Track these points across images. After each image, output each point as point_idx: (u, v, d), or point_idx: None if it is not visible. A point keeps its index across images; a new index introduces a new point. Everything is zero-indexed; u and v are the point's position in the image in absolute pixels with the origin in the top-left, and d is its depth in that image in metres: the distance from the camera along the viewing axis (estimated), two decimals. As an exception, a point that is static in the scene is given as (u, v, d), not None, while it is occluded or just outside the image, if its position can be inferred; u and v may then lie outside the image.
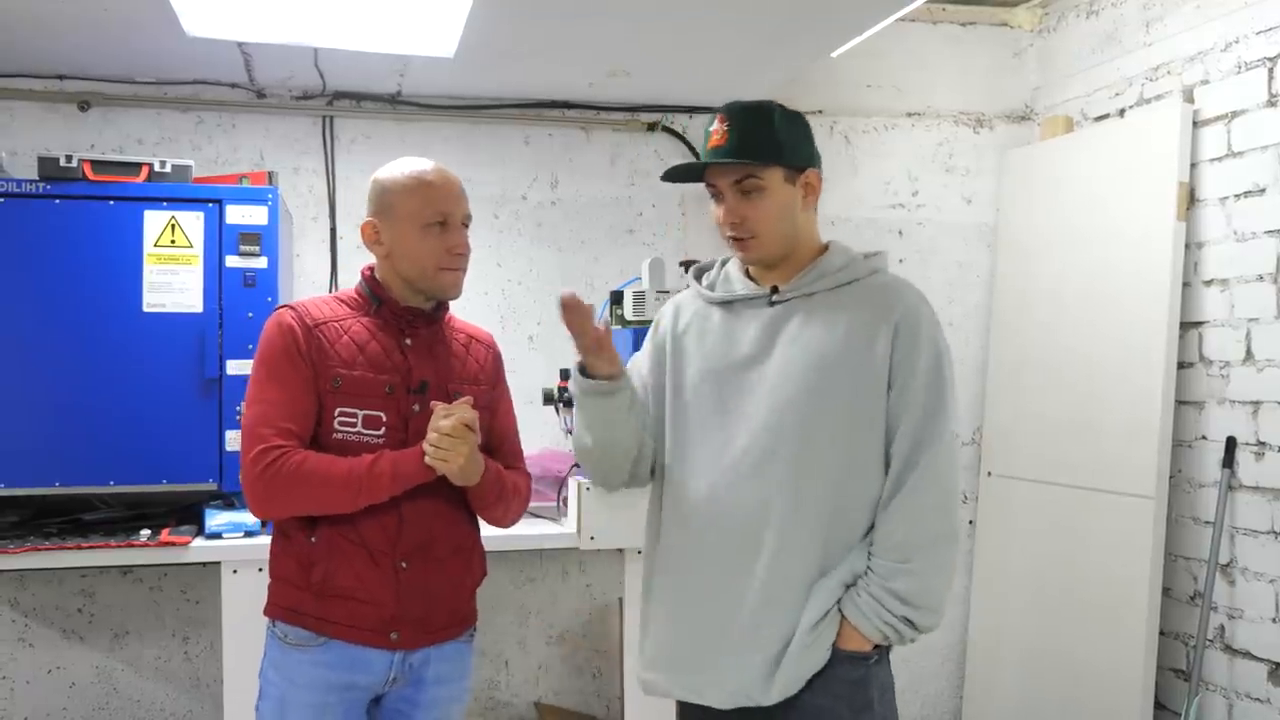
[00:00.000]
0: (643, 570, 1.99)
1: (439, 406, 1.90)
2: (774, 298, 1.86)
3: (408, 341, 1.98)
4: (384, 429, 1.92)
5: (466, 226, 1.99)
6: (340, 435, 1.91)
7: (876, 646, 1.78)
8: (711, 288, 1.96)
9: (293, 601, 1.92)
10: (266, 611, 1.97)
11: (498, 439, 2.10)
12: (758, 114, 1.81)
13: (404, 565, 1.91)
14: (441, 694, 2.00)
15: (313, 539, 1.90)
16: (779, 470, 1.78)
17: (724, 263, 1.98)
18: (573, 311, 1.80)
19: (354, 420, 1.91)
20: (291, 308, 1.97)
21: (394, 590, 1.90)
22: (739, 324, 1.88)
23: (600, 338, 1.84)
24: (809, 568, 1.78)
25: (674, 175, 1.91)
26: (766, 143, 1.79)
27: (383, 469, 1.87)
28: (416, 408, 1.94)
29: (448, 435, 1.86)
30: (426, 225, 1.93)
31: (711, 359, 1.89)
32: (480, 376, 2.07)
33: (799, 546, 1.77)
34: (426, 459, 1.87)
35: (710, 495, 1.84)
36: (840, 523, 1.79)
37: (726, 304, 1.91)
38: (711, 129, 1.83)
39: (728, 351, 1.88)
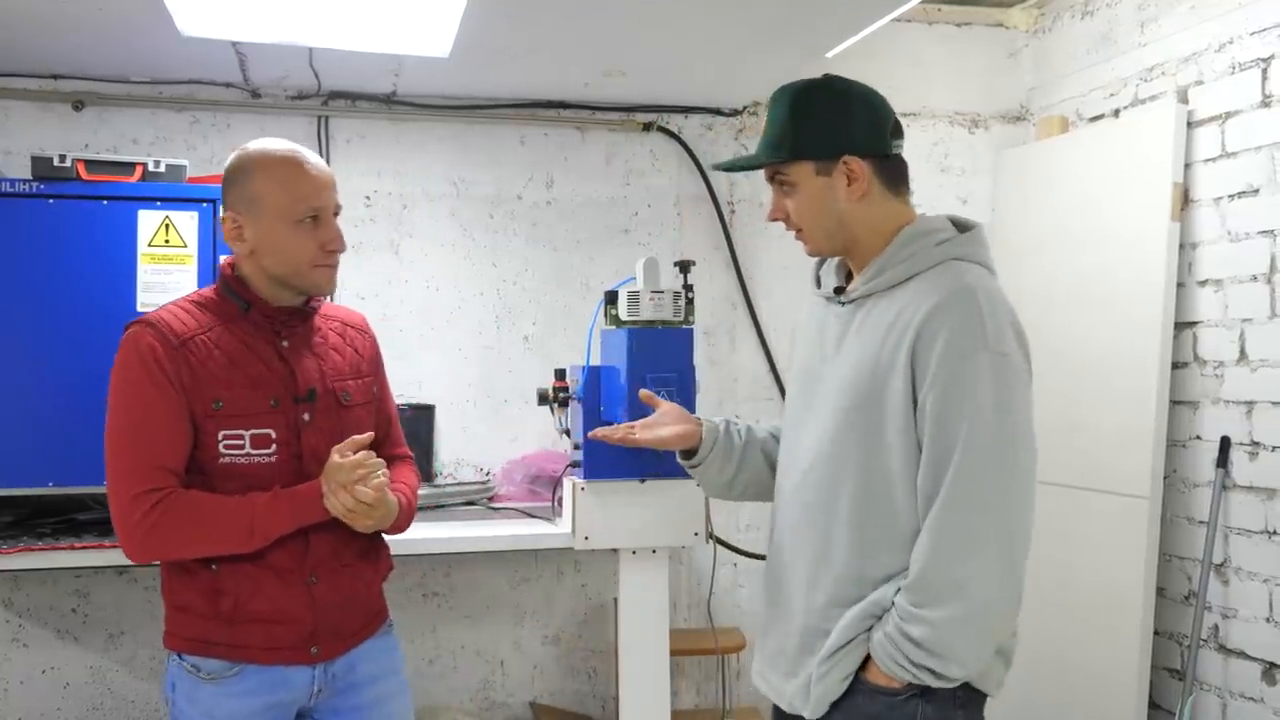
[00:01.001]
0: None
1: (341, 460, 1.76)
2: (842, 299, 1.73)
3: (285, 344, 1.83)
4: (274, 446, 1.79)
5: (337, 216, 1.84)
6: (228, 459, 1.77)
7: (912, 684, 1.59)
8: (818, 284, 1.85)
9: (200, 632, 1.80)
10: (169, 644, 1.84)
11: (383, 428, 2.01)
12: (783, 101, 1.69)
13: (314, 580, 1.82)
14: (380, 691, 1.94)
15: (214, 566, 1.77)
16: (819, 490, 1.70)
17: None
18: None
19: (240, 442, 1.76)
20: (149, 324, 1.77)
21: (309, 606, 1.81)
22: (827, 323, 1.77)
23: (620, 437, 1.93)
24: (844, 591, 1.65)
25: (729, 168, 1.83)
26: (786, 136, 1.67)
27: (280, 510, 1.75)
28: (307, 417, 1.82)
29: (366, 504, 1.75)
30: (298, 221, 1.77)
31: (808, 358, 1.81)
32: (363, 368, 1.96)
33: (832, 568, 1.67)
34: (333, 513, 1.77)
35: (785, 500, 1.79)
36: (872, 552, 1.63)
37: (829, 299, 1.80)
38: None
39: (811, 352, 1.79)
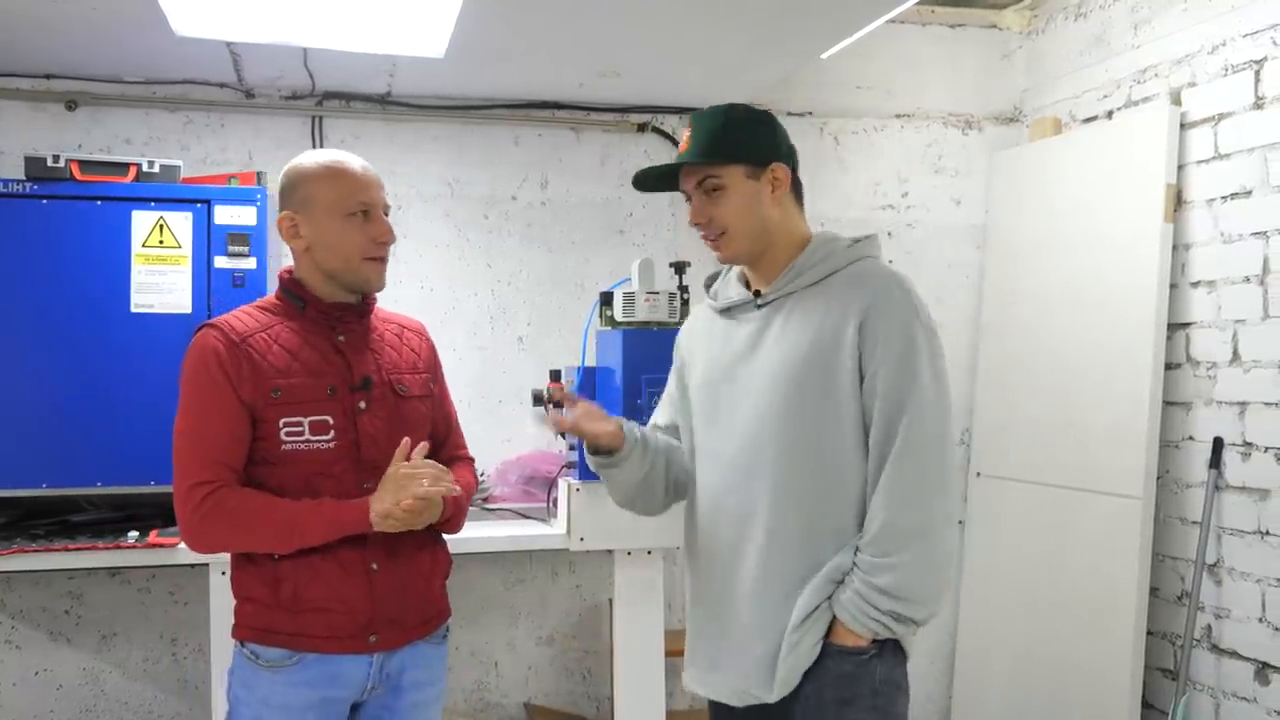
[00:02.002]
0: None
1: (401, 465, 1.84)
2: (759, 300, 1.89)
3: (341, 339, 1.92)
4: (333, 432, 1.86)
5: (387, 216, 1.94)
6: (290, 446, 1.85)
7: (875, 640, 1.76)
8: (715, 297, 2.00)
9: (264, 622, 1.87)
10: (235, 634, 1.91)
11: (444, 429, 2.09)
12: (714, 116, 1.86)
13: (375, 568, 1.88)
14: (419, 698, 1.98)
15: (276, 556, 1.84)
16: (763, 474, 1.82)
17: (729, 270, 2.01)
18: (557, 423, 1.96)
19: (300, 428, 1.84)
20: (214, 326, 1.89)
21: (368, 594, 1.87)
22: (735, 330, 1.92)
23: (572, 423, 1.92)
24: (797, 567, 1.79)
25: (645, 184, 1.95)
26: (722, 142, 1.83)
27: (323, 516, 1.82)
28: (363, 405, 1.89)
29: (421, 499, 1.81)
30: (349, 215, 1.88)
31: (710, 367, 1.94)
32: (419, 365, 2.03)
33: (785, 547, 1.80)
34: (379, 522, 1.82)
35: (711, 500, 1.91)
36: (826, 523, 1.79)
37: (727, 311, 1.96)
38: (681, 138, 1.89)
39: (721, 357, 1.92)
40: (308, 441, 1.85)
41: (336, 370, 1.90)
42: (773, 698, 1.79)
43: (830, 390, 1.78)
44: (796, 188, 1.92)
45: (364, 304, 1.97)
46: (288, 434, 1.84)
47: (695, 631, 1.96)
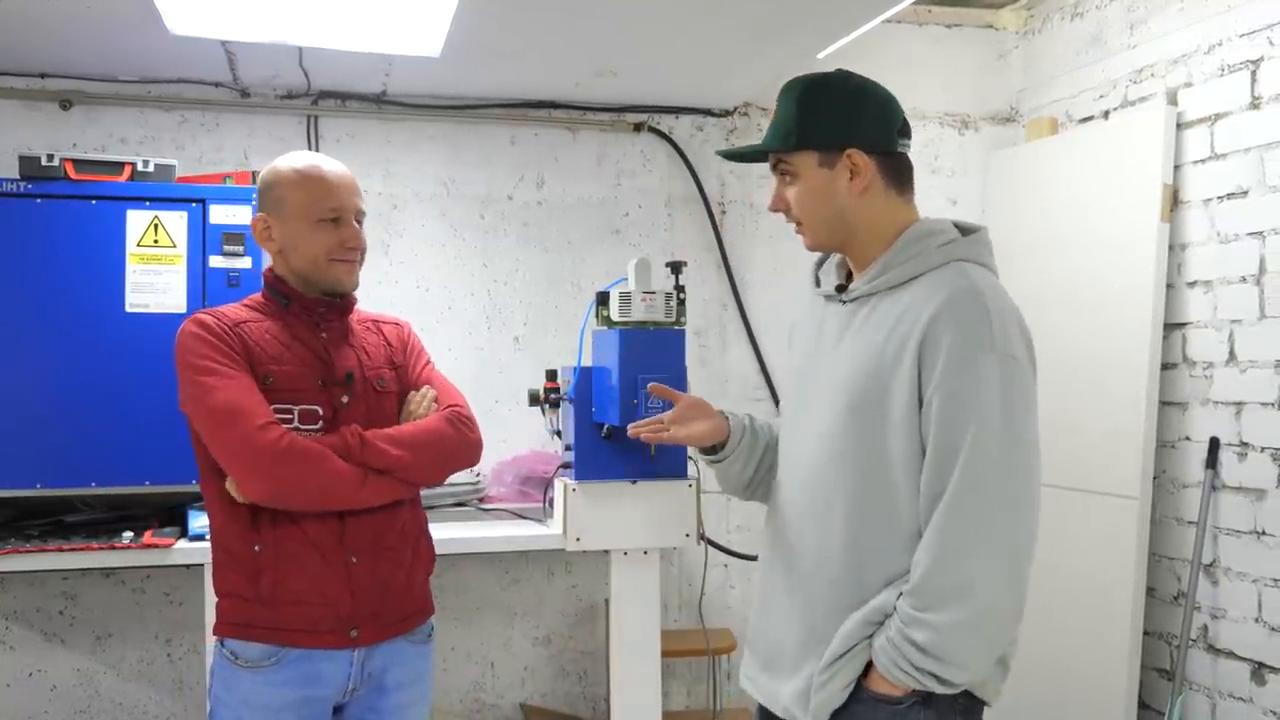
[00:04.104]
0: None
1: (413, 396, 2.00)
2: (843, 296, 1.71)
3: (323, 335, 1.96)
4: (321, 423, 1.89)
5: (360, 223, 1.96)
6: None
7: (915, 691, 1.56)
8: (819, 281, 1.83)
9: (244, 616, 1.86)
10: (216, 630, 1.90)
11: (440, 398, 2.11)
12: (794, 91, 1.68)
13: (354, 560, 1.88)
14: (403, 698, 1.98)
15: (257, 548, 1.85)
16: (817, 490, 1.68)
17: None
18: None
19: (290, 416, 1.87)
20: (206, 312, 1.92)
21: (348, 587, 1.87)
22: (827, 320, 1.75)
23: (675, 429, 1.86)
24: (841, 598, 1.63)
25: (732, 157, 1.82)
26: (792, 125, 1.66)
27: (373, 443, 1.87)
28: (345, 399, 1.93)
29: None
30: (318, 220, 1.90)
31: (804, 352, 1.79)
32: (396, 360, 2.06)
33: (830, 573, 1.65)
34: None
35: (785, 500, 1.79)
36: (870, 555, 1.61)
37: (827, 297, 1.78)
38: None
39: (812, 346, 1.77)
40: (297, 429, 1.86)
41: (322, 364, 1.93)
42: None
43: (883, 416, 1.58)
44: (896, 171, 1.68)
45: (344, 303, 2.00)
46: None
47: (755, 635, 1.83)
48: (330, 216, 1.91)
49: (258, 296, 1.99)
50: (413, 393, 2.04)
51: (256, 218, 1.94)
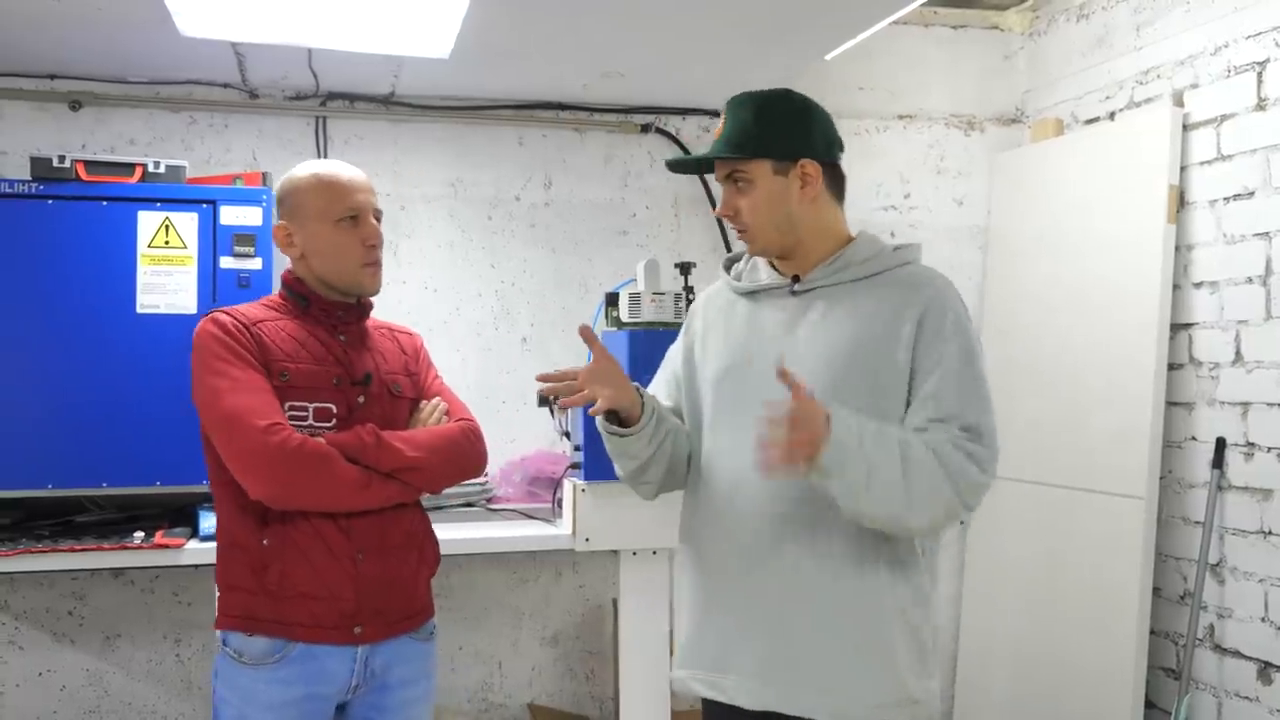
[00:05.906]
0: (675, 568, 1.96)
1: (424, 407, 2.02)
2: (795, 287, 1.83)
3: (341, 337, 1.99)
4: (335, 420, 1.91)
5: (378, 220, 2.00)
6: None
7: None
8: (739, 278, 1.94)
9: (247, 608, 1.87)
10: (218, 625, 1.90)
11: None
12: (748, 105, 1.83)
13: (360, 557, 1.89)
14: (407, 696, 1.99)
15: (264, 541, 1.86)
16: (804, 498, 1.73)
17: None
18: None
19: (305, 414, 1.89)
20: (223, 311, 1.94)
21: (353, 583, 1.88)
22: (762, 314, 1.86)
23: (584, 382, 1.80)
24: (830, 572, 1.73)
25: (680, 166, 1.94)
26: (749, 136, 1.80)
27: (386, 444, 1.89)
28: (361, 399, 1.95)
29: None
30: (338, 221, 1.94)
31: (734, 351, 1.86)
32: (410, 368, 2.10)
33: (820, 549, 1.73)
34: None
35: (731, 494, 1.81)
36: (880, 537, 1.73)
37: (751, 294, 1.89)
38: (720, 120, 1.85)
39: (748, 343, 1.84)
40: (311, 427, 1.88)
41: (339, 363, 1.96)
42: (797, 709, 1.71)
43: (878, 388, 1.74)
44: (835, 180, 1.86)
45: (362, 305, 2.04)
46: (292, 419, 1.87)
47: (701, 634, 1.85)
48: (349, 215, 1.94)
49: (276, 297, 2.02)
50: (423, 402, 2.06)
51: (277, 226, 1.98)
